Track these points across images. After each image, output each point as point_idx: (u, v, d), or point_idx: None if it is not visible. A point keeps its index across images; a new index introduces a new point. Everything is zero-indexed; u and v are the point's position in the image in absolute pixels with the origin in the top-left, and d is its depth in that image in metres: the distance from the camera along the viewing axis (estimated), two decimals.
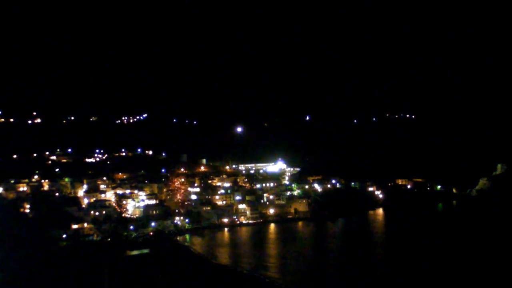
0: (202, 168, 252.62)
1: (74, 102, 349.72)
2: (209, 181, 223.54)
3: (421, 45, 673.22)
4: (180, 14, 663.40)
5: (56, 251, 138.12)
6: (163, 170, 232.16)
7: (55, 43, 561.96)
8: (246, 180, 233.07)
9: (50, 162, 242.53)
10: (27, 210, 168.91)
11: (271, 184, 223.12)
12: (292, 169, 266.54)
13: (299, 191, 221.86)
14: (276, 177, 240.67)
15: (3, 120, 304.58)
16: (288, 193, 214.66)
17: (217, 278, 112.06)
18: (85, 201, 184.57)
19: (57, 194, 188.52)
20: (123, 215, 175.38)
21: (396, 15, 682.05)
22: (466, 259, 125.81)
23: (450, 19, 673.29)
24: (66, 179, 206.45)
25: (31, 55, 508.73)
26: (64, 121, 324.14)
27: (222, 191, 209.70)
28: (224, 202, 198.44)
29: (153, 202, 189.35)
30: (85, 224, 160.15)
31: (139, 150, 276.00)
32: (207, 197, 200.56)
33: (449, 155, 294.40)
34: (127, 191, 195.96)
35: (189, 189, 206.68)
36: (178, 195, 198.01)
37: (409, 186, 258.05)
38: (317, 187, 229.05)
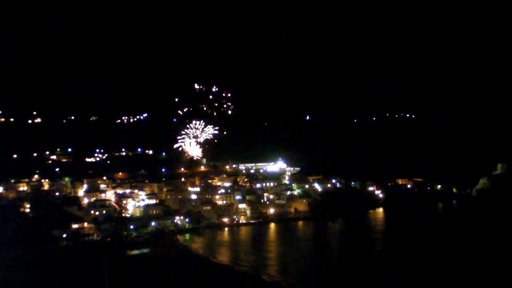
0: (202, 168, 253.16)
1: (74, 102, 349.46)
2: (209, 181, 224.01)
3: (421, 45, 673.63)
4: (179, 13, 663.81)
5: (56, 251, 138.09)
6: (163, 170, 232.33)
7: (55, 42, 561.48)
8: (246, 179, 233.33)
9: (50, 161, 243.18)
10: (27, 210, 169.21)
11: (271, 184, 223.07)
12: (292, 168, 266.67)
13: (299, 190, 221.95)
14: (276, 177, 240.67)
15: (3, 120, 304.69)
16: (288, 192, 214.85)
17: (217, 278, 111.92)
18: (85, 200, 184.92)
19: (57, 193, 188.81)
20: (123, 214, 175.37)
21: (396, 15, 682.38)
22: (466, 258, 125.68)
23: (450, 18, 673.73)
24: (66, 179, 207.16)
25: (31, 55, 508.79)
26: (64, 121, 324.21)
27: (222, 190, 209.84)
28: (224, 202, 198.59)
29: (153, 201, 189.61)
30: (85, 224, 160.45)
31: (139, 149, 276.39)
32: (207, 196, 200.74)
33: (449, 154, 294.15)
34: (127, 191, 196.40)
35: (189, 188, 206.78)
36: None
37: (409, 186, 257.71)
38: (317, 186, 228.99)
